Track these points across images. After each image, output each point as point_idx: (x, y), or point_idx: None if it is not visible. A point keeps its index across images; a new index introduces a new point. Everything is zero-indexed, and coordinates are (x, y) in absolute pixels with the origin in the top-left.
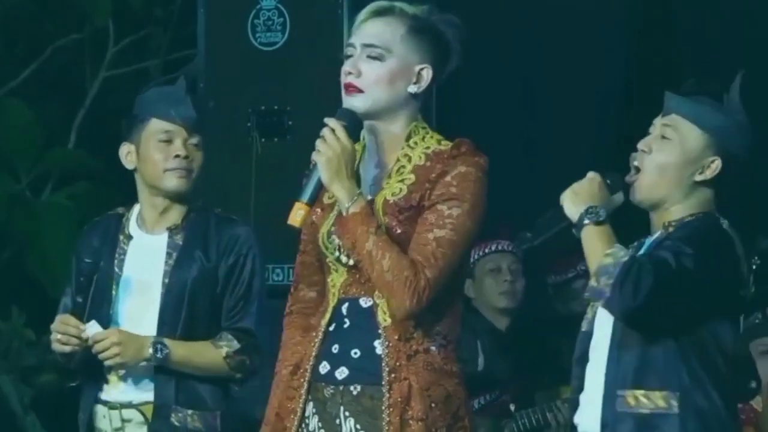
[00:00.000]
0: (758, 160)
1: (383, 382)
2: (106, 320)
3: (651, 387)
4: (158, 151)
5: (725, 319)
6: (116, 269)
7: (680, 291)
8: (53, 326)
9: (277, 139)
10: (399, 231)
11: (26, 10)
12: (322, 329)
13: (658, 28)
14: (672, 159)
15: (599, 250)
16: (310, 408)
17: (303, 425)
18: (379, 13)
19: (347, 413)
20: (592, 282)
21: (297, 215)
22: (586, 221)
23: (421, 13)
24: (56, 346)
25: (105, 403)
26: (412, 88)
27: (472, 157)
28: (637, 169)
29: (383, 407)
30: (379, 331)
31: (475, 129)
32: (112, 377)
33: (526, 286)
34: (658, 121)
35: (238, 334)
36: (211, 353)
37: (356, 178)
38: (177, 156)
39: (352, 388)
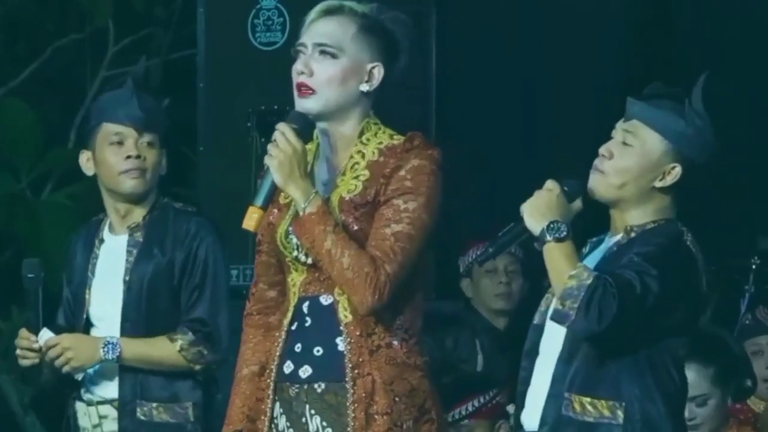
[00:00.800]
0: (758, 160)
1: (347, 379)
2: (83, 324)
3: (599, 395)
4: (111, 154)
5: (682, 335)
6: (89, 274)
7: (642, 313)
8: (16, 341)
9: None
10: (356, 228)
11: (26, 10)
12: (285, 329)
13: (658, 28)
14: (632, 165)
15: (562, 270)
16: (277, 408)
17: (272, 426)
18: (329, 12)
19: (313, 411)
20: (557, 305)
21: (251, 219)
22: (548, 238)
23: (371, 12)
24: (20, 362)
25: (83, 400)
26: (364, 87)
27: (426, 150)
28: (600, 173)
29: (348, 403)
30: (341, 328)
31: (475, 129)
32: (88, 372)
33: (527, 287)
34: (620, 126)
35: (192, 325)
36: (167, 347)
37: (311, 178)
38: (129, 157)
39: (316, 386)
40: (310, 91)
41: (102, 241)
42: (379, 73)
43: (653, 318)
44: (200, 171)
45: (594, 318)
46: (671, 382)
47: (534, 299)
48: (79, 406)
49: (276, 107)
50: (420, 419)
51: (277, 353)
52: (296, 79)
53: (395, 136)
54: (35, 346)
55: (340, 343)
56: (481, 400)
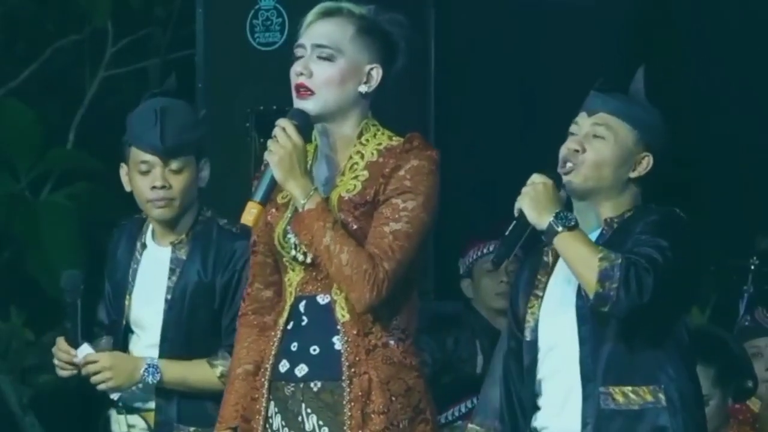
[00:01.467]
0: (757, 160)
1: (343, 378)
2: (121, 330)
3: (638, 383)
4: (140, 181)
5: (690, 305)
6: (130, 279)
7: (672, 284)
8: (53, 350)
9: None
10: (355, 227)
11: (26, 10)
12: (281, 328)
13: (658, 28)
14: (608, 156)
15: (586, 255)
16: (272, 407)
17: (267, 425)
18: (327, 13)
19: (309, 410)
20: (597, 288)
21: (250, 214)
22: (560, 228)
23: (369, 14)
24: (58, 372)
25: (115, 407)
26: (363, 88)
27: (425, 151)
28: (573, 167)
29: (344, 402)
30: (338, 327)
31: (474, 129)
32: None
33: None
34: (584, 121)
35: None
36: (207, 372)
37: (310, 177)
38: (154, 187)
39: (312, 384)
40: (309, 93)
41: (144, 246)
42: (377, 74)
43: (678, 289)
44: None
45: (635, 293)
46: (690, 356)
47: None
48: (111, 412)
49: (275, 107)
50: (415, 419)
51: (272, 352)
52: (295, 80)
53: (394, 138)
54: (75, 360)
55: (337, 342)
56: (475, 401)
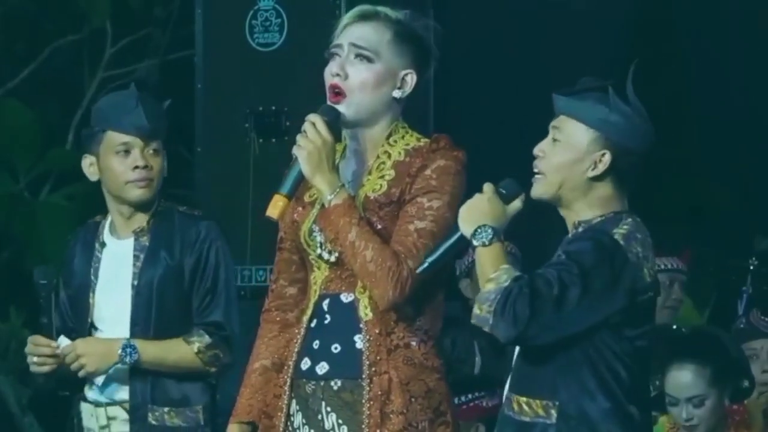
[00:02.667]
0: (756, 161)
1: (363, 376)
2: (87, 328)
3: (534, 395)
4: (118, 163)
5: (625, 327)
6: (92, 277)
7: (562, 312)
8: (27, 350)
9: (275, 140)
10: (379, 226)
11: (25, 10)
12: (304, 326)
13: (658, 28)
14: (563, 159)
15: (485, 273)
16: (293, 405)
17: (288, 422)
18: (364, 17)
19: (329, 408)
20: (476, 310)
21: (276, 207)
22: (476, 243)
23: (405, 19)
24: (34, 368)
25: (90, 401)
26: (397, 93)
27: (451, 152)
28: (538, 174)
29: (363, 401)
30: (360, 326)
31: (474, 130)
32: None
33: None
34: (550, 126)
35: (208, 328)
36: (183, 349)
37: (337, 172)
38: (136, 167)
39: (332, 383)
40: (343, 96)
41: (104, 244)
42: (411, 80)
43: (577, 316)
44: (198, 172)
45: (509, 321)
46: (614, 377)
47: None
48: (85, 407)
49: (274, 108)
50: (435, 421)
51: (296, 350)
52: (330, 80)
53: (422, 139)
54: (57, 351)
55: (359, 341)
56: (462, 398)
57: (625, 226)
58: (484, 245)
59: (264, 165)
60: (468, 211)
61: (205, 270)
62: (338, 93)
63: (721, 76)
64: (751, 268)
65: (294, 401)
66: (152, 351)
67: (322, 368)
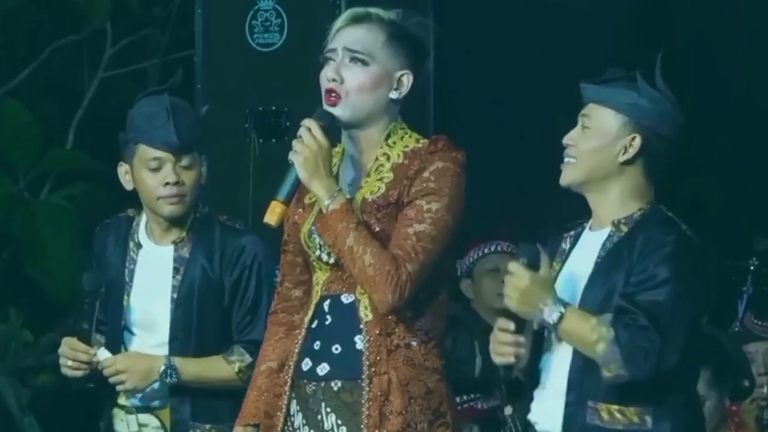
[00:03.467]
0: (756, 161)
1: (363, 377)
2: (119, 330)
3: (626, 402)
4: (149, 178)
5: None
6: (127, 279)
7: (682, 322)
8: (61, 351)
9: (275, 140)
10: (377, 229)
11: (25, 10)
12: (305, 326)
13: (659, 28)
14: (594, 144)
15: (583, 341)
16: (294, 405)
17: (288, 423)
18: (357, 19)
19: (329, 409)
20: (606, 373)
21: (273, 213)
22: (553, 322)
23: (398, 19)
24: (67, 371)
25: (122, 407)
26: (394, 94)
27: (450, 153)
28: (570, 160)
29: (363, 401)
30: (361, 326)
31: (473, 131)
32: None
33: None
34: (579, 114)
35: (249, 347)
36: (224, 369)
37: (336, 178)
38: (167, 183)
39: (333, 383)
40: (339, 99)
41: (139, 245)
42: (408, 80)
43: (688, 324)
44: None
45: (643, 363)
46: (693, 372)
47: None
48: (117, 412)
49: (274, 108)
50: (434, 422)
51: (296, 350)
52: (326, 85)
53: (421, 140)
54: (94, 359)
55: (359, 342)
56: (458, 400)
57: (678, 219)
58: (561, 317)
59: (264, 165)
60: (521, 301)
61: (247, 289)
62: (334, 96)
63: (721, 75)
64: (752, 268)
65: (294, 401)
66: (192, 370)
67: (323, 369)
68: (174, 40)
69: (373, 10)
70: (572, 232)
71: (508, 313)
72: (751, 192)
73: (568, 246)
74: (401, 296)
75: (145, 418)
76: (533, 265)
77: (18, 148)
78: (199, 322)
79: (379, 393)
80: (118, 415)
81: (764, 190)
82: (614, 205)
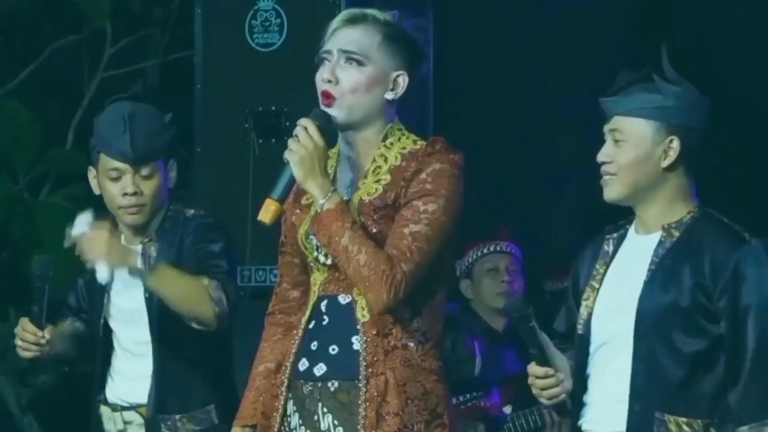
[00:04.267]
0: (757, 162)
1: (360, 377)
2: (99, 326)
3: (693, 415)
4: (110, 187)
5: None
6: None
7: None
8: (16, 330)
9: (274, 140)
10: (374, 230)
11: (25, 11)
12: (303, 327)
13: (659, 28)
14: (633, 157)
15: None
16: (290, 405)
17: (285, 423)
18: (352, 21)
19: (325, 409)
20: None
21: (267, 211)
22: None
23: (393, 20)
24: (19, 351)
25: (108, 404)
26: (389, 95)
27: (447, 154)
28: (610, 177)
29: (359, 402)
30: (358, 327)
31: (473, 131)
32: (111, 378)
33: (525, 287)
34: (606, 129)
35: (217, 275)
36: (195, 283)
37: (333, 177)
38: (125, 194)
39: (329, 384)
40: (334, 100)
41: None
42: (403, 81)
43: None
44: (197, 172)
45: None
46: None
47: (532, 301)
48: (104, 410)
49: (273, 108)
50: (431, 423)
51: (293, 351)
52: (321, 86)
53: (419, 142)
54: (42, 341)
55: (356, 342)
56: (461, 398)
57: (730, 222)
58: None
59: (264, 165)
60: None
61: (203, 244)
62: (329, 97)
63: (721, 75)
64: None
65: (291, 402)
66: (169, 270)
67: (320, 369)
68: (174, 40)
69: (369, 11)
70: (615, 234)
71: (532, 360)
72: (752, 192)
73: (611, 248)
74: (396, 296)
75: (128, 415)
76: (526, 316)
77: (18, 148)
78: (175, 314)
79: (375, 394)
80: (105, 414)
81: (764, 189)
82: (662, 210)
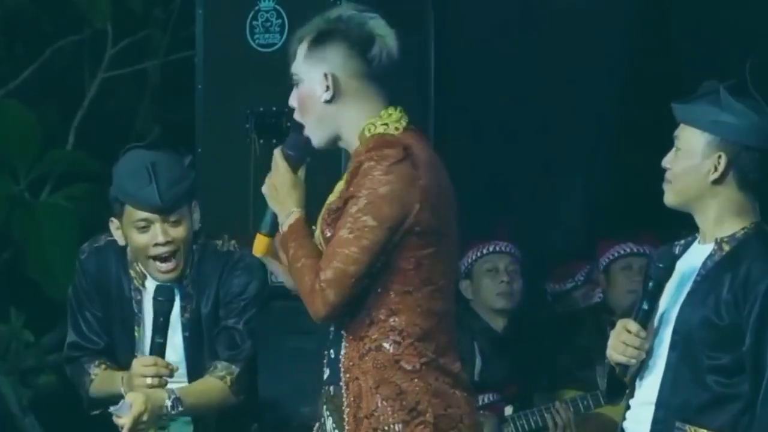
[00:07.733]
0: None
1: (340, 383)
2: (131, 359)
3: (715, 427)
4: (139, 238)
5: None
6: (135, 310)
7: None
8: (136, 371)
9: (275, 141)
10: (329, 235)
11: (25, 11)
12: (330, 335)
13: (659, 28)
14: (684, 166)
15: None
16: (324, 409)
17: (320, 425)
18: (298, 41)
19: (327, 413)
20: None
21: (260, 245)
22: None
23: (326, 24)
24: (145, 390)
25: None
26: (325, 96)
27: (378, 151)
28: (667, 184)
29: (343, 407)
30: (343, 333)
31: (474, 129)
32: None
33: (524, 288)
34: (674, 135)
35: (231, 355)
36: (215, 386)
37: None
38: (157, 244)
39: (330, 388)
40: (300, 125)
41: (144, 276)
42: (330, 78)
43: None
44: (198, 172)
45: None
46: None
47: (532, 301)
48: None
49: (274, 109)
50: (410, 422)
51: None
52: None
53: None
54: (174, 368)
55: (343, 347)
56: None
57: None
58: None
59: (265, 166)
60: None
61: (233, 297)
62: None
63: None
64: None
65: (325, 406)
66: (192, 394)
67: (325, 374)
68: (175, 40)
69: (303, 29)
70: (682, 241)
71: (631, 315)
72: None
73: (678, 252)
74: (326, 303)
75: None
76: (669, 270)
77: (19, 148)
78: (210, 355)
79: (353, 399)
80: None
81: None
82: (715, 222)
